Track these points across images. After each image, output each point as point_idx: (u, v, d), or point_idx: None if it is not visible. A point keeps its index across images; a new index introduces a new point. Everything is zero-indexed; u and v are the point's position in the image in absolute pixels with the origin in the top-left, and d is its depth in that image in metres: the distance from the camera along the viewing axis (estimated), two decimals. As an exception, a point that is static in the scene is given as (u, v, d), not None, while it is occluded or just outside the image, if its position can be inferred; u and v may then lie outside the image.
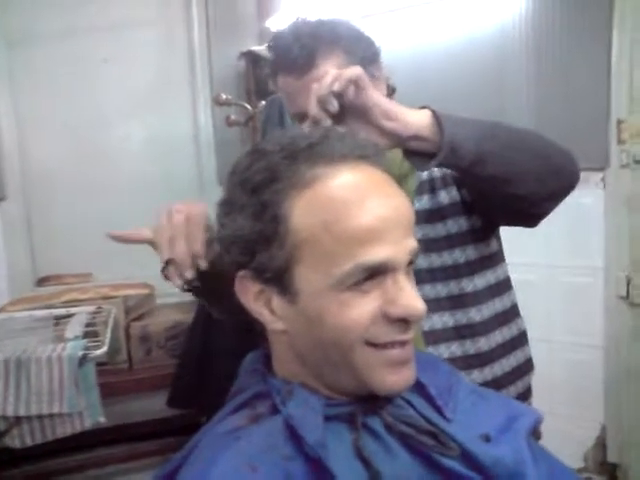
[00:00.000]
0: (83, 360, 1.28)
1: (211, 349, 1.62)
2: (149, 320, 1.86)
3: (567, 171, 0.86)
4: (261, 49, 2.06)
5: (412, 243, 0.58)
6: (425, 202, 0.98)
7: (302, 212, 0.55)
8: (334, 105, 0.74)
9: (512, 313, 1.05)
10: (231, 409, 0.62)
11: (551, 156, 0.84)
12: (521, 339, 1.06)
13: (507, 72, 1.83)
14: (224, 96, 1.88)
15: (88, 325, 1.51)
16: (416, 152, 0.79)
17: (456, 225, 0.98)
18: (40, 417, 1.25)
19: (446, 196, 0.97)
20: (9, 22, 1.92)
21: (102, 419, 1.32)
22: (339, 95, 0.74)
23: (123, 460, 1.82)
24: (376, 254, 0.54)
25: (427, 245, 0.96)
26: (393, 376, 0.57)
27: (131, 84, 2.08)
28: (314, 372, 0.60)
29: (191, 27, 2.13)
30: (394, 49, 1.82)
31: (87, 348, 1.31)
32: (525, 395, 1.06)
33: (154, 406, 1.81)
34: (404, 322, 0.56)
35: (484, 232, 1.00)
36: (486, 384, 0.96)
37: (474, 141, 0.77)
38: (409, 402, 0.62)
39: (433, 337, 0.98)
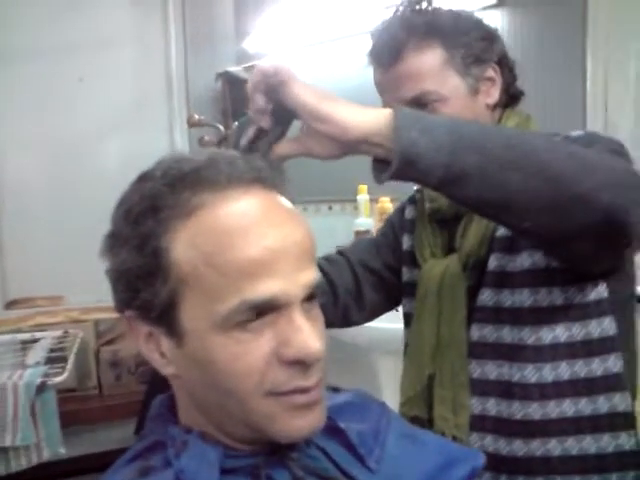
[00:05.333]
0: (42, 387, 1.22)
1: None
2: (120, 345, 1.81)
3: (597, 200, 0.61)
4: (238, 70, 2.05)
5: (308, 276, 0.52)
6: None
7: (184, 244, 0.51)
8: (257, 103, 0.67)
9: (604, 385, 0.79)
10: (126, 459, 0.57)
11: (574, 177, 0.61)
12: (613, 422, 0.79)
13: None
14: (197, 117, 1.86)
15: (53, 350, 1.46)
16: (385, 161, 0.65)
17: (530, 260, 0.80)
18: (-7, 450, 1.18)
19: None
20: (-18, 41, 1.89)
21: (62, 450, 1.26)
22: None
23: (93, 490, 1.75)
24: (264, 289, 0.49)
25: (499, 279, 0.82)
26: (296, 421, 0.52)
27: (107, 104, 2.05)
28: (212, 420, 0.55)
29: (168, 47, 2.11)
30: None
31: (47, 375, 1.25)
32: None
33: (124, 434, 1.75)
34: (303, 365, 0.51)
35: (578, 275, 0.79)
36: (532, 462, 0.79)
37: (447, 152, 0.60)
38: (324, 451, 0.56)
39: (482, 387, 0.83)
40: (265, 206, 0.53)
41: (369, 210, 1.95)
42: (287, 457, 0.55)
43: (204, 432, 0.55)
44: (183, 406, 0.59)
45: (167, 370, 0.55)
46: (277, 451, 0.55)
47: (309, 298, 0.53)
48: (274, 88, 0.66)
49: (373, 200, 1.95)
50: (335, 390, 0.66)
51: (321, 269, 0.59)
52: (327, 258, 1.05)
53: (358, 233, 1.90)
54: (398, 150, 0.61)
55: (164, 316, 0.52)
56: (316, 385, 0.53)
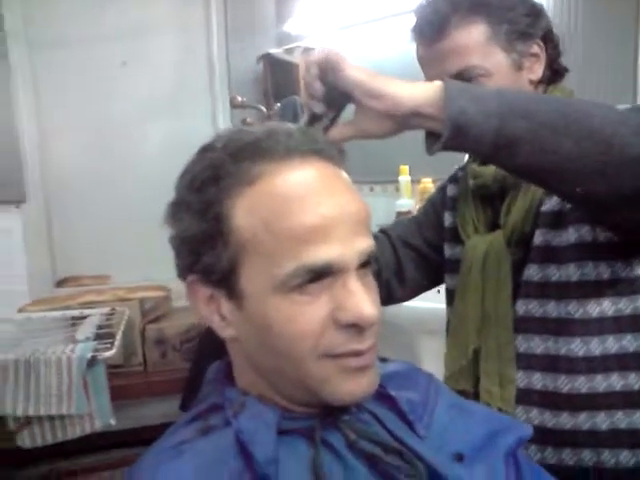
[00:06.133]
0: (92, 362, 1.27)
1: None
2: (165, 323, 1.86)
3: None
4: (279, 52, 2.05)
5: (364, 243, 0.54)
6: (554, 203, 0.82)
7: (244, 211, 0.53)
8: (317, 89, 0.69)
9: None
10: (184, 421, 0.59)
11: (626, 141, 0.60)
12: None
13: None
14: (239, 98, 1.88)
15: (101, 327, 1.51)
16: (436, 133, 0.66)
17: (576, 234, 0.80)
18: (50, 418, 1.24)
19: None
20: (32, 27, 1.94)
21: (112, 421, 1.31)
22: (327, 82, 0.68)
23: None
24: (320, 254, 0.51)
25: (545, 254, 0.82)
26: (349, 384, 0.53)
27: (150, 87, 2.09)
28: (269, 383, 0.57)
29: (210, 31, 2.13)
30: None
31: (97, 350, 1.30)
32: None
33: (168, 410, 1.81)
34: (357, 328, 0.52)
35: (625, 249, 0.78)
36: (579, 435, 0.79)
37: (496, 118, 0.61)
38: (375, 416, 0.58)
39: (527, 361, 0.83)
40: (322, 176, 0.54)
41: (410, 191, 1.94)
42: (340, 420, 0.56)
43: (261, 395, 0.57)
44: (240, 370, 0.60)
45: (227, 332, 0.57)
46: (331, 414, 0.56)
47: (364, 265, 0.54)
48: (327, 72, 0.68)
49: (414, 181, 1.94)
50: (383, 360, 0.67)
51: None
52: None
53: (400, 214, 1.89)
54: (448, 118, 0.62)
55: (225, 279, 0.54)
56: (370, 349, 0.54)
